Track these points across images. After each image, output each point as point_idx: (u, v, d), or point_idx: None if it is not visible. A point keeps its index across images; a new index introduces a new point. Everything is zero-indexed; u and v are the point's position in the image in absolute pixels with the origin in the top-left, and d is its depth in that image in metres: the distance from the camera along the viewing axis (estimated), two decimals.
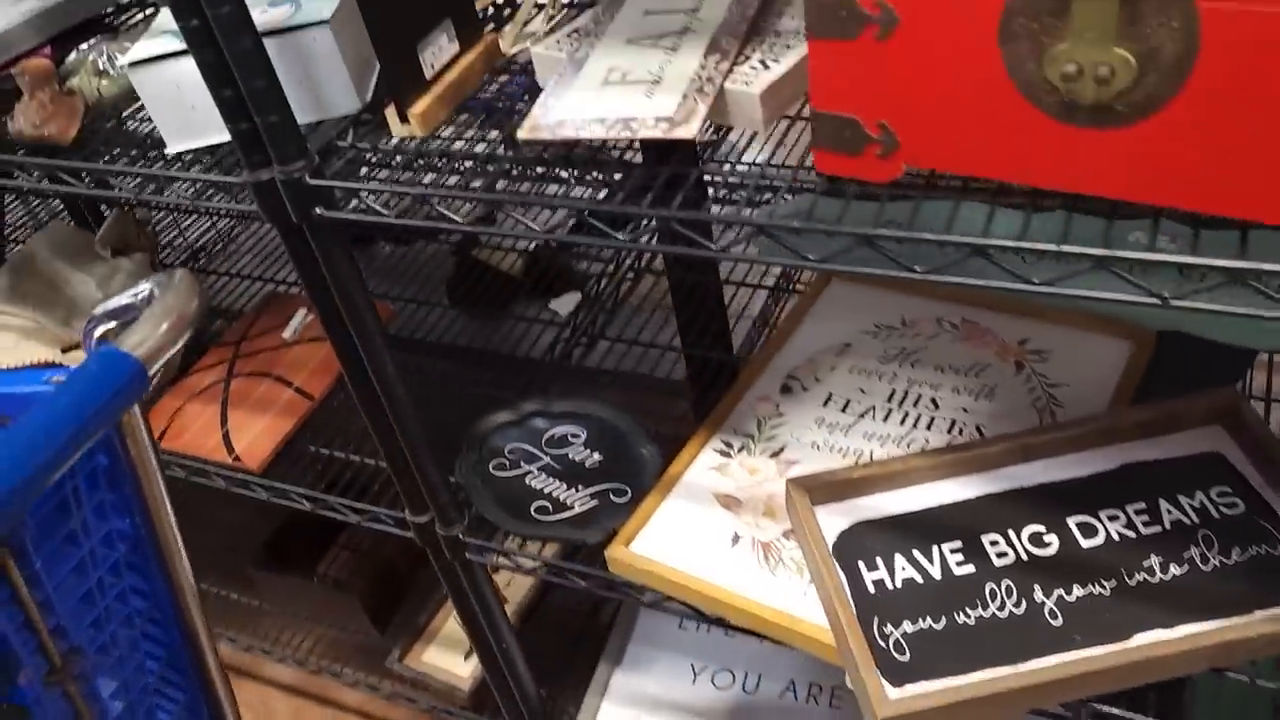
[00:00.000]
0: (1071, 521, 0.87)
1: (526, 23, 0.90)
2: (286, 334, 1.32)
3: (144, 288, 0.76)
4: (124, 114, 0.98)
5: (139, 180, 0.88)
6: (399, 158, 0.80)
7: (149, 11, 1.06)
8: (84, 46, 0.98)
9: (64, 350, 1.27)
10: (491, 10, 0.96)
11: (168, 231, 1.93)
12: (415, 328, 1.52)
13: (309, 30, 0.83)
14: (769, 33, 0.77)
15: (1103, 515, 0.87)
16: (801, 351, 1.12)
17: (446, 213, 0.75)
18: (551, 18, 0.87)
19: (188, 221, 1.99)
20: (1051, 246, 0.57)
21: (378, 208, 0.78)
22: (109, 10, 1.07)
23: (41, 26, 1.02)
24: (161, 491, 0.78)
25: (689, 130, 0.69)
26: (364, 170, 0.83)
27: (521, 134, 0.74)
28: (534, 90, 0.86)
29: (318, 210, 0.80)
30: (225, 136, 0.81)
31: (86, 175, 0.90)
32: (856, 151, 0.65)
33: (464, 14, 0.85)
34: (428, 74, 0.81)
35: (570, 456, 1.08)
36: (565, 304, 1.37)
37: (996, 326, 1.09)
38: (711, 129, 0.76)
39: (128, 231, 1.38)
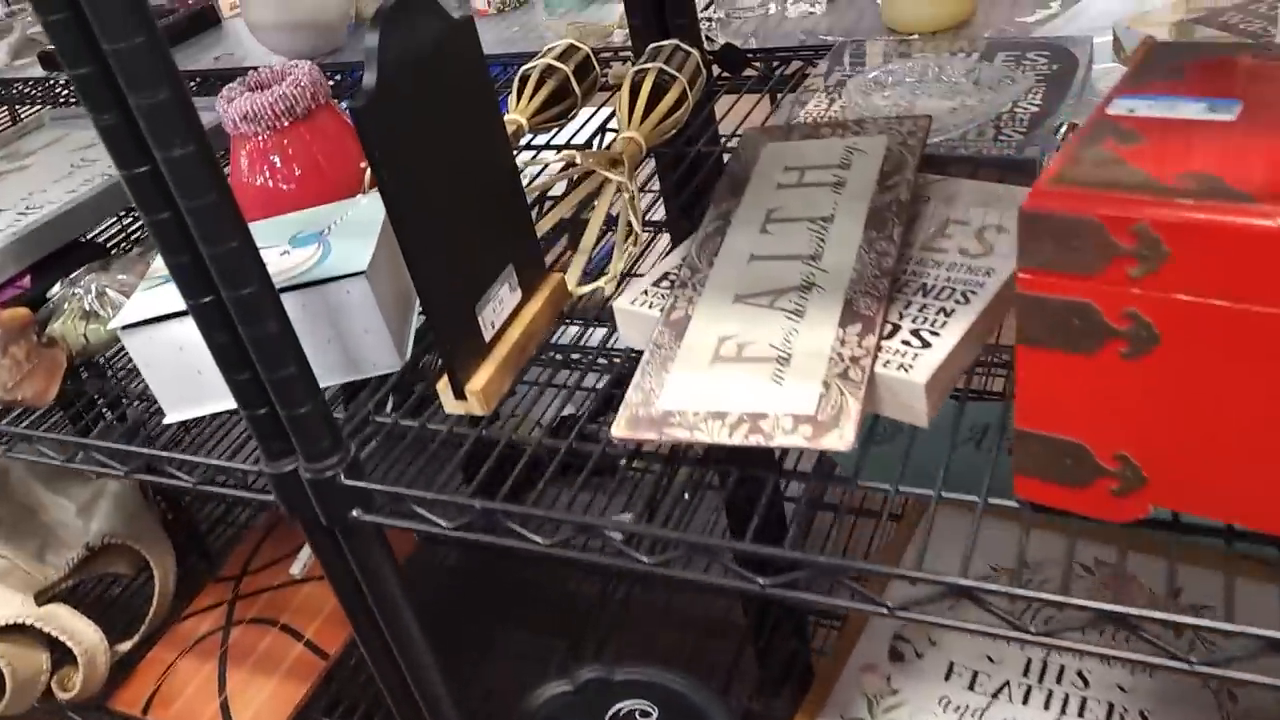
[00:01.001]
0: None
1: (592, 258, 0.76)
2: (295, 570, 1.14)
3: None
4: (113, 363, 0.82)
5: (128, 459, 0.72)
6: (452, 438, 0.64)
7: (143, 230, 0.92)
8: (69, 279, 0.83)
9: (38, 596, 1.09)
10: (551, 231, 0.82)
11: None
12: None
13: (343, 282, 0.69)
14: (914, 289, 0.63)
15: None
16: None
17: (525, 532, 0.59)
18: (627, 252, 0.73)
19: None
20: None
21: (433, 517, 0.62)
22: (99, 231, 0.93)
23: (19, 253, 0.88)
24: None
25: (842, 439, 0.54)
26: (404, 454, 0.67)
27: (618, 432, 0.59)
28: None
29: (354, 513, 0.64)
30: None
31: (63, 452, 0.74)
32: (1082, 484, 0.49)
33: (526, 255, 0.71)
34: (487, 335, 0.66)
35: None
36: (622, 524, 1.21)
37: (1141, 572, 0.93)
38: None
39: None
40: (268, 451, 0.65)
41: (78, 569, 1.13)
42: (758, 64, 1.03)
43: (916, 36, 1.00)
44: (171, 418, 0.73)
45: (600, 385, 0.72)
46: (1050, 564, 0.96)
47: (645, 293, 0.68)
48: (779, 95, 0.97)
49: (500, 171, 0.69)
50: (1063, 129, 0.78)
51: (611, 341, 0.74)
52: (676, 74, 0.88)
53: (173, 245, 0.56)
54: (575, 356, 1.18)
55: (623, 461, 0.88)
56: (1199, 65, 0.53)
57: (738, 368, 0.60)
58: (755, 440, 0.55)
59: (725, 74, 1.03)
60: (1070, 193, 0.44)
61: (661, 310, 0.66)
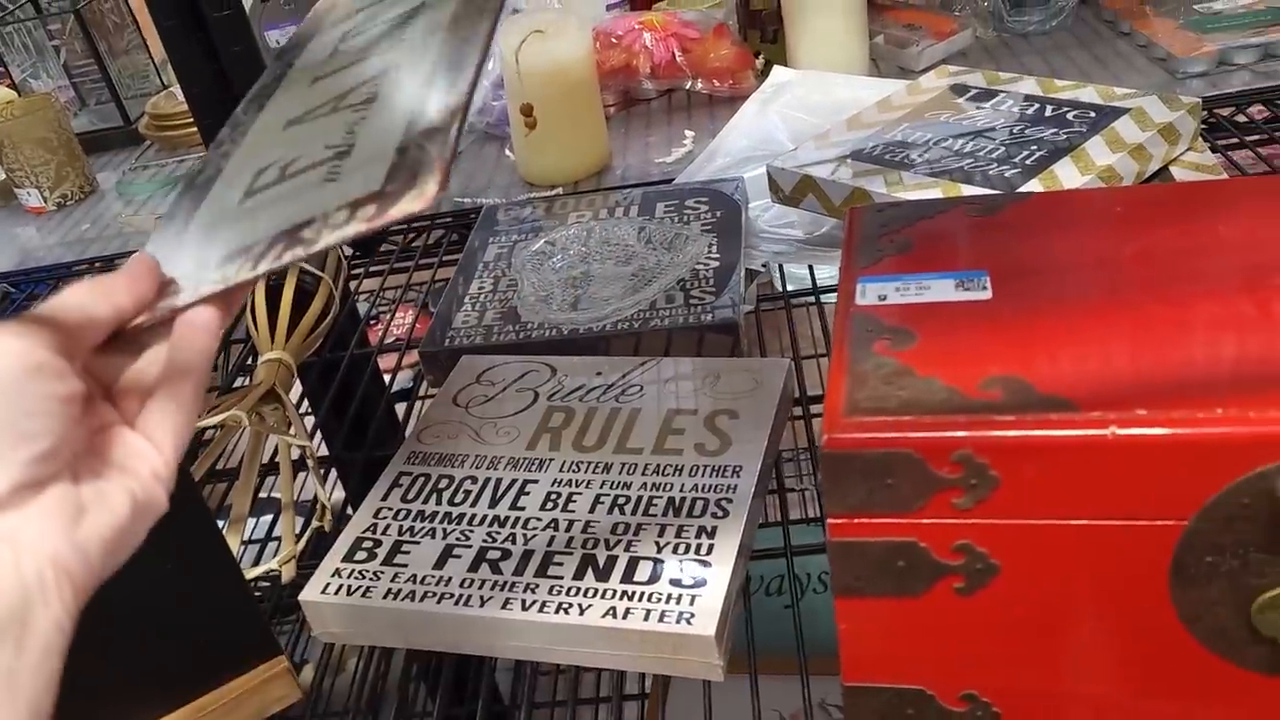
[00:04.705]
0: None
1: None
2: None
3: None
4: None
5: None
6: None
7: None
8: None
9: None
10: None
11: None
12: None
13: None
14: (662, 508, 0.54)
15: None
16: None
17: None
18: (312, 528, 0.58)
19: None
20: None
21: None
22: None
23: None
24: None
25: (422, 196, 0.35)
26: None
27: None
28: None
29: None
30: None
31: None
32: None
33: None
34: None
35: None
36: None
37: None
38: None
39: None
40: None
41: None
42: (395, 238, 0.92)
43: (560, 190, 0.93)
44: None
45: None
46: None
47: (338, 573, 0.54)
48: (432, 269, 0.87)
49: None
50: (749, 283, 0.74)
51: None
52: (319, 273, 0.75)
53: None
54: None
55: None
56: (922, 231, 0.49)
57: (278, 191, 0.40)
58: (290, 256, 0.37)
59: (359, 255, 0.91)
60: (872, 423, 0.37)
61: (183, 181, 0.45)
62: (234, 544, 0.59)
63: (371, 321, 1.10)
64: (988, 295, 0.43)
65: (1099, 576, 0.37)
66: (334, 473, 0.79)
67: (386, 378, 0.91)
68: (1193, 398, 0.35)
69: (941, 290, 0.44)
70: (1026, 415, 0.36)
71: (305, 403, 0.80)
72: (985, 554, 0.38)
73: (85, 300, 0.35)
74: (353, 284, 0.88)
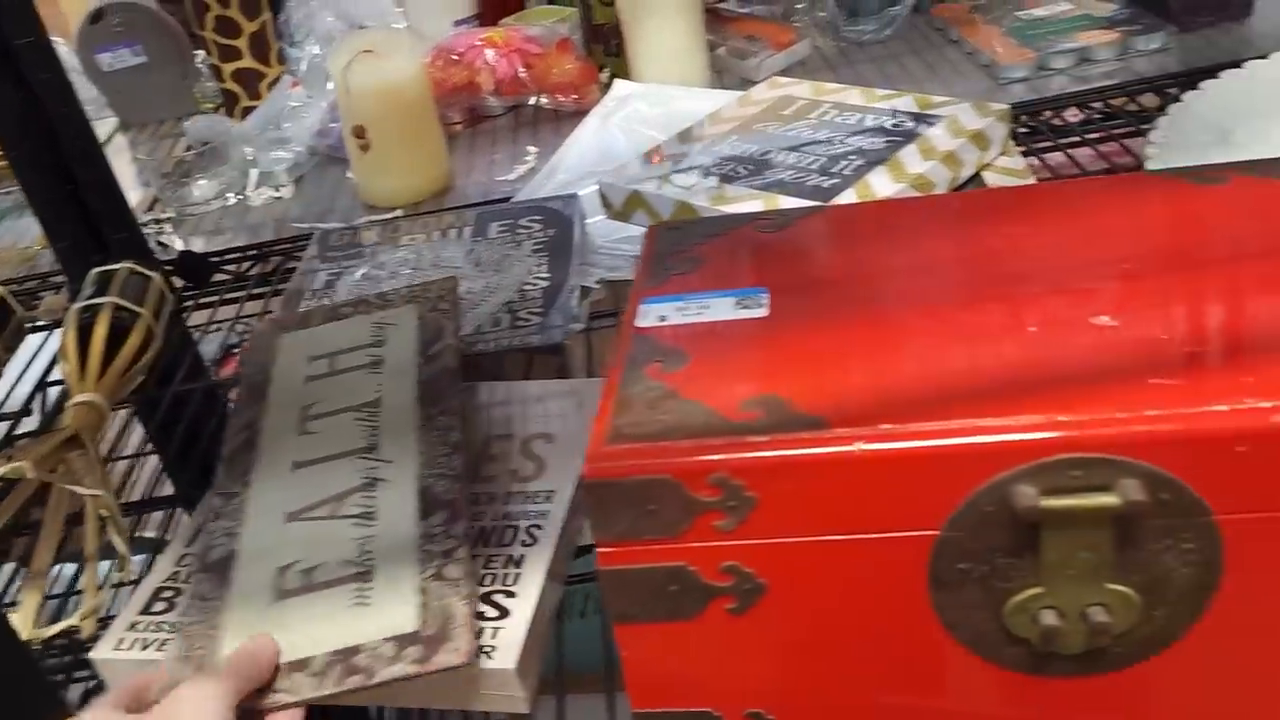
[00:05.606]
0: None
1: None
2: None
3: None
4: None
5: None
6: None
7: None
8: None
9: None
10: None
11: None
12: None
13: None
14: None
15: None
16: None
17: None
18: (113, 581, 0.56)
19: None
20: None
21: None
22: None
23: None
24: None
25: (458, 652, 0.44)
26: None
27: None
28: None
29: None
30: None
31: None
32: None
33: None
34: None
35: None
36: None
37: None
38: None
39: None
40: None
41: None
42: (229, 267, 0.89)
43: (400, 211, 0.92)
44: None
45: None
46: None
47: (134, 626, 0.52)
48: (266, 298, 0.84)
49: None
50: (581, 300, 0.73)
51: None
52: (138, 309, 0.72)
53: None
54: None
55: None
56: (711, 249, 0.49)
57: (309, 600, 0.48)
58: (354, 682, 0.44)
59: (191, 286, 0.88)
60: (632, 450, 0.37)
61: (194, 558, 0.51)
62: (34, 600, 0.56)
63: (235, 351, 1.06)
64: (765, 313, 0.44)
65: (863, 589, 0.38)
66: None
67: None
68: (933, 410, 0.35)
69: (721, 309, 0.44)
70: (779, 435, 0.36)
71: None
72: (752, 574, 0.38)
73: (251, 674, 0.44)
74: (184, 314, 0.85)
